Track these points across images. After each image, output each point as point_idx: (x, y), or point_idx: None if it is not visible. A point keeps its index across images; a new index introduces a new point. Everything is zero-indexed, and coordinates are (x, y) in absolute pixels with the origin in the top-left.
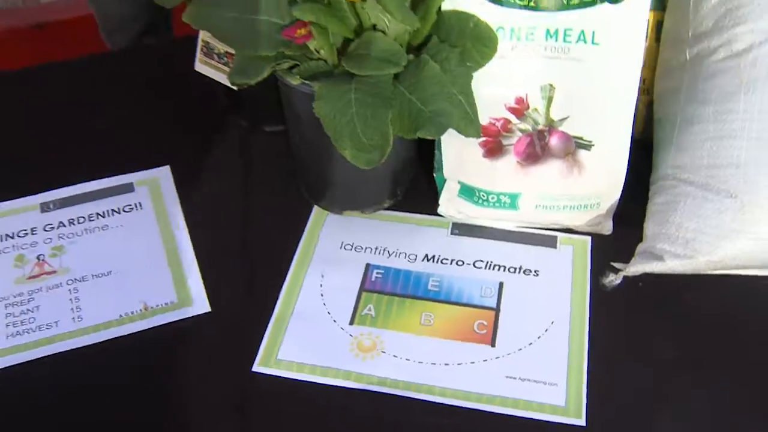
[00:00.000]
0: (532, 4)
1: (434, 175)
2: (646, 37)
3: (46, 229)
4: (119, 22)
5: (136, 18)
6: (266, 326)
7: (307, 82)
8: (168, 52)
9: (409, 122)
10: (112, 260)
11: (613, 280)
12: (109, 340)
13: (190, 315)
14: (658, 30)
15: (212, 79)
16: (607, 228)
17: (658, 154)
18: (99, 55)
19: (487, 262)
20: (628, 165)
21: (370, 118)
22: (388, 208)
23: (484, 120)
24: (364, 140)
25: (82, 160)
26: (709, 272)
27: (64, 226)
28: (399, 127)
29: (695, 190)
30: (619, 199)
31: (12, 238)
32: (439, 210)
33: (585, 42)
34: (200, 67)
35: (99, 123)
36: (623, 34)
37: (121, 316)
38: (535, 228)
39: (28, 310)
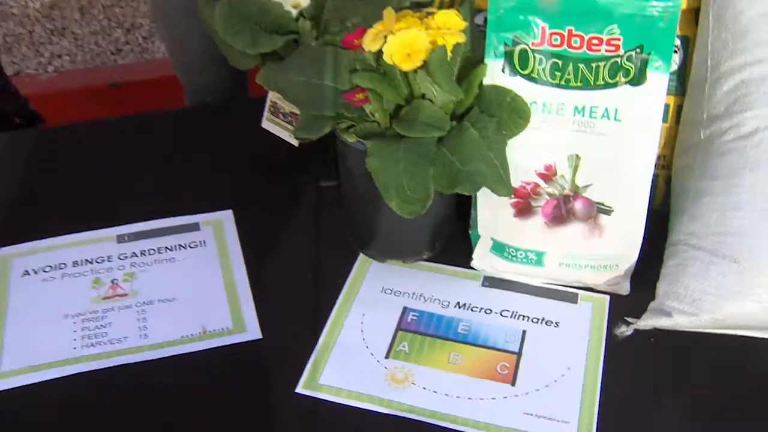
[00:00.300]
0: (562, 83)
1: (470, 232)
2: (666, 118)
3: (121, 257)
4: (204, 85)
5: (220, 82)
6: (310, 354)
7: (361, 140)
8: (239, 110)
9: (449, 179)
10: (177, 288)
11: (624, 330)
12: (170, 356)
13: (243, 340)
14: (678, 113)
15: (276, 135)
16: (625, 288)
17: (672, 222)
18: (175, 110)
19: (513, 312)
20: (646, 231)
21: (414, 174)
22: (426, 259)
23: (515, 183)
24: (409, 193)
25: (155, 200)
26: (715, 331)
27: (137, 256)
28: (439, 183)
29: (703, 254)
30: (639, 263)
31: (91, 263)
32: (473, 263)
33: (608, 118)
34: (267, 124)
35: (172, 169)
36: (643, 112)
37: (182, 336)
38: (558, 285)
39: (101, 325)
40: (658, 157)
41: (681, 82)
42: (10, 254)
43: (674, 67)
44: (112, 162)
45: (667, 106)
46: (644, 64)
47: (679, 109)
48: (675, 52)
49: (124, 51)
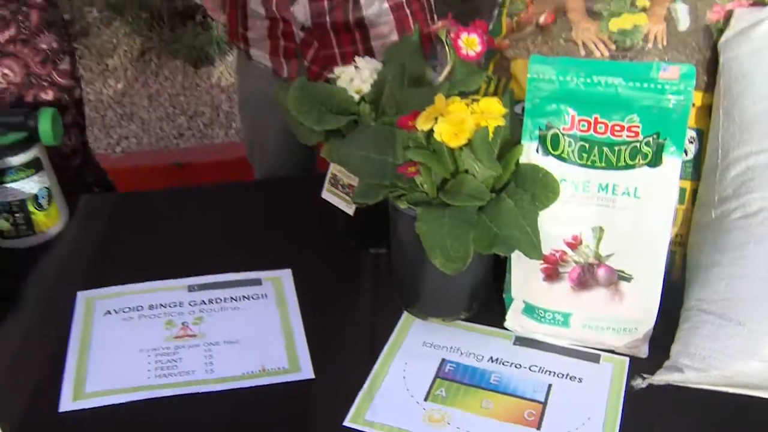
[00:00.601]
0: (588, 163)
1: (503, 295)
2: (684, 200)
3: (191, 304)
4: (275, 166)
5: (289, 166)
6: (357, 394)
7: (411, 207)
8: (300, 183)
9: (487, 242)
10: (240, 332)
11: (640, 383)
12: (232, 389)
13: (298, 379)
14: (693, 196)
15: (334, 205)
16: (644, 351)
17: (687, 291)
18: (244, 182)
19: (541, 368)
20: (666, 301)
21: (457, 237)
22: (464, 319)
23: (545, 250)
24: (452, 252)
25: (223, 257)
26: (724, 389)
27: (205, 303)
28: (479, 245)
29: (713, 318)
30: (659, 329)
31: (165, 307)
32: (506, 324)
33: (629, 195)
34: (326, 194)
35: (239, 232)
36: (659, 191)
37: (243, 373)
38: (582, 346)
39: (172, 360)
40: (676, 235)
41: (696, 168)
42: (93, 296)
43: (691, 155)
44: (185, 223)
45: (683, 190)
46: (660, 148)
47: (694, 192)
48: (691, 142)
49: (186, 136)
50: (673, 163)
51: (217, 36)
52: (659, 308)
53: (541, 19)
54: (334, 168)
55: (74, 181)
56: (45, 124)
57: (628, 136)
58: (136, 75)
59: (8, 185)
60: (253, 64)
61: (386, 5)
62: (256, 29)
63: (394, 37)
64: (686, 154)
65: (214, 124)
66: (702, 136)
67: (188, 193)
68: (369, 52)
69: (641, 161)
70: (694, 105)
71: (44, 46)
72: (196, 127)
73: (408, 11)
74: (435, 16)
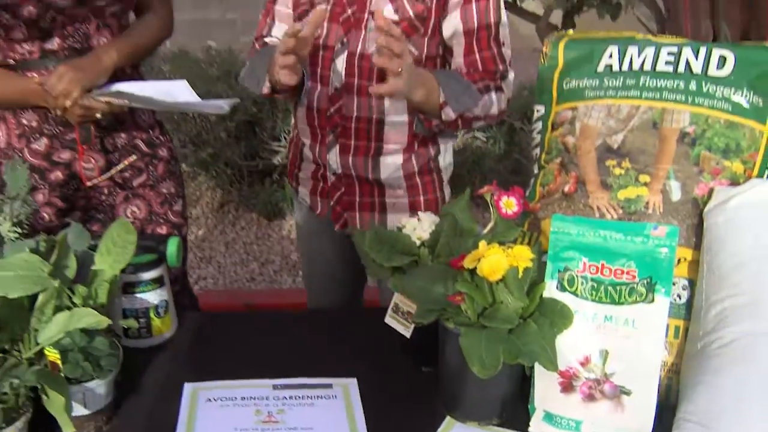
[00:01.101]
0: (596, 299)
1: (528, 406)
2: (678, 336)
3: (275, 398)
4: (325, 297)
5: (339, 297)
6: None
7: (457, 327)
8: (367, 311)
9: (514, 355)
10: (314, 422)
11: None
12: None
13: None
14: (686, 333)
15: (394, 329)
16: None
17: (678, 405)
18: (323, 309)
19: None
20: (663, 413)
21: (491, 350)
22: (496, 424)
23: (561, 366)
24: (486, 362)
25: (302, 365)
26: None
27: (287, 399)
28: (507, 357)
29: (697, 427)
30: None
31: (254, 399)
32: (530, 429)
33: (628, 326)
34: (389, 320)
35: (317, 348)
36: (652, 323)
37: None
38: None
39: None
40: (672, 364)
41: (688, 310)
42: (197, 387)
43: (684, 300)
44: (268, 336)
45: (678, 327)
46: (652, 289)
47: (686, 330)
48: (684, 289)
49: (257, 280)
50: (662, 301)
51: (289, 193)
52: (656, 419)
53: (566, 189)
54: (396, 298)
55: (174, 303)
56: (171, 249)
57: (627, 279)
58: (216, 223)
59: (138, 295)
60: (300, 201)
61: (401, 173)
62: (305, 170)
63: (405, 199)
64: (680, 299)
65: (283, 271)
66: (693, 284)
67: (269, 314)
68: (382, 207)
69: (638, 299)
70: (686, 259)
71: (164, 191)
72: (267, 273)
73: (419, 182)
74: (444, 186)
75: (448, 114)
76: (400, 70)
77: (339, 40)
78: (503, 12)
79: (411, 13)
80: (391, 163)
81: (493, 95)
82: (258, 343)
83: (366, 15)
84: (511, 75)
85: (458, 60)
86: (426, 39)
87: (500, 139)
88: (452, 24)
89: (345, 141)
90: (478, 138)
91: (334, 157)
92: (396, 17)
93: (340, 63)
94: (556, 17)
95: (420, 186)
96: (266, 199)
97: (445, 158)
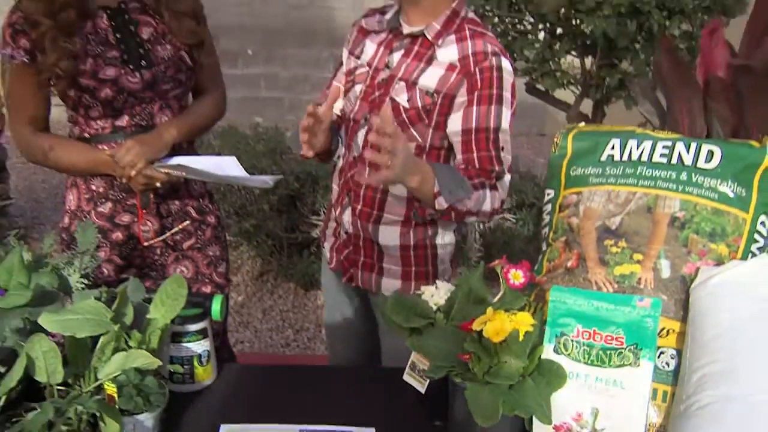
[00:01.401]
0: (588, 361)
1: None
2: (666, 399)
3: None
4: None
5: (357, 356)
6: None
7: (464, 382)
8: (385, 369)
9: (512, 407)
10: None
11: None
12: None
13: None
14: (672, 397)
15: (410, 385)
16: None
17: None
18: (346, 366)
19: None
20: None
21: (492, 402)
22: None
23: (556, 421)
24: (488, 412)
25: (323, 413)
26: None
27: None
28: (506, 408)
29: None
30: None
31: None
32: None
33: (617, 386)
34: (406, 376)
35: (337, 400)
36: (637, 384)
37: None
38: None
39: None
40: (660, 425)
41: (676, 377)
42: (233, 429)
43: (672, 367)
44: (295, 387)
45: (666, 392)
46: (638, 354)
47: (673, 394)
48: (672, 358)
49: (291, 346)
50: (647, 365)
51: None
52: None
53: (569, 264)
54: (414, 356)
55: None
56: (216, 305)
57: (616, 345)
58: (255, 291)
59: (184, 344)
60: (324, 255)
61: (398, 243)
62: (330, 227)
63: (398, 267)
64: (668, 366)
65: (316, 339)
66: (680, 353)
67: (298, 368)
68: (380, 270)
69: (625, 362)
70: (674, 331)
71: (211, 254)
72: (301, 340)
73: (413, 254)
74: (438, 261)
75: (441, 203)
76: (389, 164)
77: (364, 116)
78: (505, 120)
79: (420, 104)
80: (390, 231)
81: (488, 192)
82: (287, 393)
83: (387, 99)
84: (507, 177)
85: (458, 156)
86: (430, 130)
87: (529, 221)
88: (455, 122)
89: (355, 204)
90: (508, 219)
91: (347, 218)
92: (408, 105)
93: (361, 136)
94: (587, 106)
95: (412, 258)
96: (304, 270)
97: (444, 238)
